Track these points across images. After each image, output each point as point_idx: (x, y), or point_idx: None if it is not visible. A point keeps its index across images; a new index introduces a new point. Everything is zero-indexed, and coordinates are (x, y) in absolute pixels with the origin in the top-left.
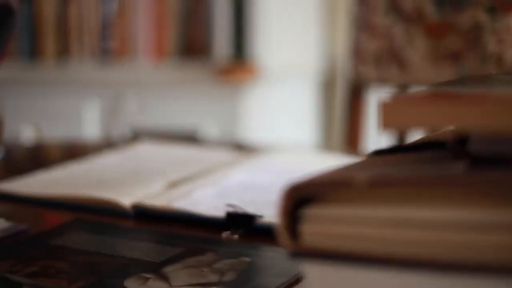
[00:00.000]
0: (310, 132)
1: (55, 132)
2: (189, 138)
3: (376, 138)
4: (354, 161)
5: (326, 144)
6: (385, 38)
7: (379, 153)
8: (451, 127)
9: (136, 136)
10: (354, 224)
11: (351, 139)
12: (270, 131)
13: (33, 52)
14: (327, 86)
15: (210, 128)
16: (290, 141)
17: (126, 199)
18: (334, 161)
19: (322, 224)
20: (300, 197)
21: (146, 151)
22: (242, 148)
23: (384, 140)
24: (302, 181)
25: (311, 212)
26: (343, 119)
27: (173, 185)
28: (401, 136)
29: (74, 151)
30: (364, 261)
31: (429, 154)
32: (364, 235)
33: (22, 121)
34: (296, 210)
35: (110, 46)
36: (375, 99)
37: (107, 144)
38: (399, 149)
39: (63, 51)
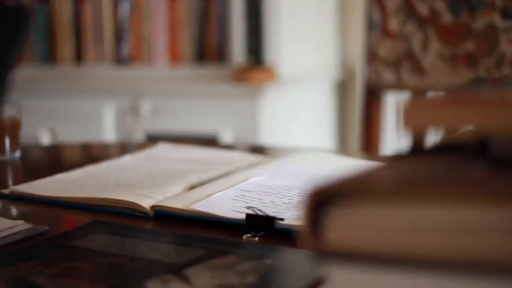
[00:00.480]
0: (327, 135)
1: (72, 135)
2: (207, 141)
3: (393, 141)
4: (377, 164)
5: (343, 147)
6: (401, 41)
7: (401, 155)
8: (469, 129)
9: (152, 140)
10: (378, 226)
11: (368, 142)
12: (287, 134)
13: (50, 56)
14: (344, 89)
15: (227, 131)
16: (307, 144)
17: (146, 201)
18: (353, 164)
19: (347, 226)
20: (324, 199)
21: (164, 153)
22: (260, 151)
23: (402, 143)
24: (326, 185)
25: (335, 213)
26: (360, 122)
27: (193, 187)
28: (419, 138)
29: (91, 154)
30: (388, 263)
31: (450, 156)
32: (388, 237)
33: (39, 125)
34: (320, 212)
35: (126, 51)
36: (392, 102)
37: (124, 147)
38: (420, 152)
39: (79, 55)
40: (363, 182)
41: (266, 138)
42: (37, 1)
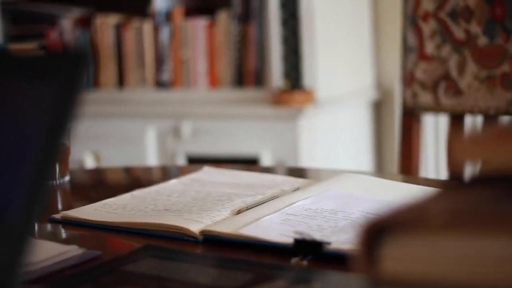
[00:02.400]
0: (363, 156)
1: (115, 158)
2: (247, 163)
3: (431, 163)
4: (428, 193)
5: (380, 168)
6: (437, 64)
7: (451, 185)
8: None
9: (193, 162)
10: (432, 256)
11: (406, 163)
12: (325, 155)
13: (93, 80)
14: (380, 110)
15: (266, 153)
16: (344, 165)
17: (195, 226)
18: (395, 187)
19: (401, 255)
20: (380, 229)
21: (209, 176)
22: (301, 173)
23: (440, 165)
24: (382, 215)
25: (390, 243)
26: (398, 145)
27: (240, 211)
28: (463, 170)
29: (135, 177)
30: None
31: (498, 188)
32: (443, 268)
33: (83, 148)
34: (376, 241)
35: (166, 75)
36: (429, 123)
37: (166, 171)
38: (470, 182)
39: (121, 79)
40: (418, 214)
41: (304, 159)
42: (80, 27)
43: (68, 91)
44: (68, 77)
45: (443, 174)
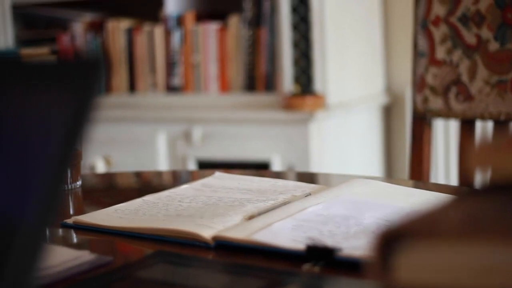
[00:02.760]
0: (373, 160)
1: (125, 162)
2: (258, 167)
3: (441, 169)
4: (442, 200)
5: (390, 172)
6: (448, 69)
7: (465, 192)
8: None
9: (203, 166)
10: (447, 265)
11: (416, 168)
12: (335, 159)
13: (104, 85)
14: (390, 114)
15: (277, 157)
16: (354, 169)
17: (207, 232)
18: (408, 195)
19: (416, 264)
20: (395, 238)
21: (220, 182)
22: (313, 179)
23: (450, 172)
24: (397, 224)
25: (405, 251)
26: (409, 150)
27: (252, 217)
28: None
29: (146, 182)
30: None
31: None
32: (457, 277)
33: (94, 152)
34: (390, 249)
35: (177, 79)
36: (439, 129)
37: (177, 175)
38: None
39: (132, 84)
40: (432, 222)
41: (315, 164)
42: (92, 32)
43: (83, 98)
44: (82, 84)
45: (453, 179)
